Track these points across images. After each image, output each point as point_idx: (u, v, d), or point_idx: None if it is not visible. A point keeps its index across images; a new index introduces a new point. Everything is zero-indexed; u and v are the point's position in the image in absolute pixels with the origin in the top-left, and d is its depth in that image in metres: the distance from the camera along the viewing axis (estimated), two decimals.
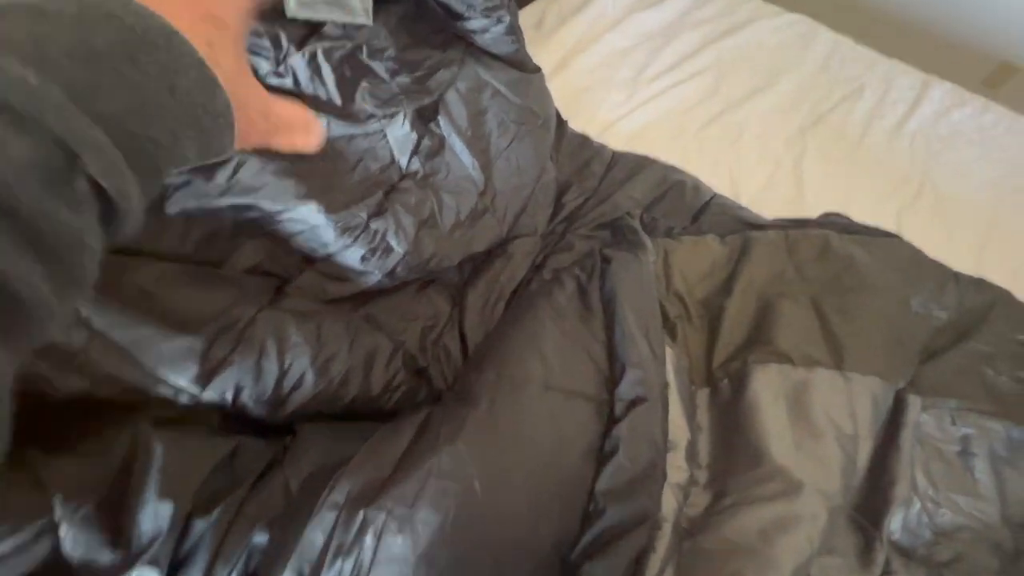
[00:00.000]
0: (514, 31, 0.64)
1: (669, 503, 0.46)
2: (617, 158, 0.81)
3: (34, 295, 0.17)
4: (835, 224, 0.68)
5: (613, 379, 0.51)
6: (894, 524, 0.49)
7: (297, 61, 0.51)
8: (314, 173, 0.51)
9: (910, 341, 0.59)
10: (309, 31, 0.53)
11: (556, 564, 0.42)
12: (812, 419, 0.50)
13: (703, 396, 0.58)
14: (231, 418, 0.44)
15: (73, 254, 0.18)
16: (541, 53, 0.95)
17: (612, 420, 0.48)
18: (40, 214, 0.16)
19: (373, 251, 0.53)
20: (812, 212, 0.85)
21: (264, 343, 0.44)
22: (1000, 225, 0.88)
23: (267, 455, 0.43)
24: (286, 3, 0.46)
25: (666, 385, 0.51)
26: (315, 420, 0.47)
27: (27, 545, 0.35)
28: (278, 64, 0.51)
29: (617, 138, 0.89)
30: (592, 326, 0.54)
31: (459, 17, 0.60)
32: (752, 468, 0.48)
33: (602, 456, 0.46)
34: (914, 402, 0.56)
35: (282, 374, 0.44)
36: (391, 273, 0.55)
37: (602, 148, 0.82)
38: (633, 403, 0.48)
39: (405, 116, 0.57)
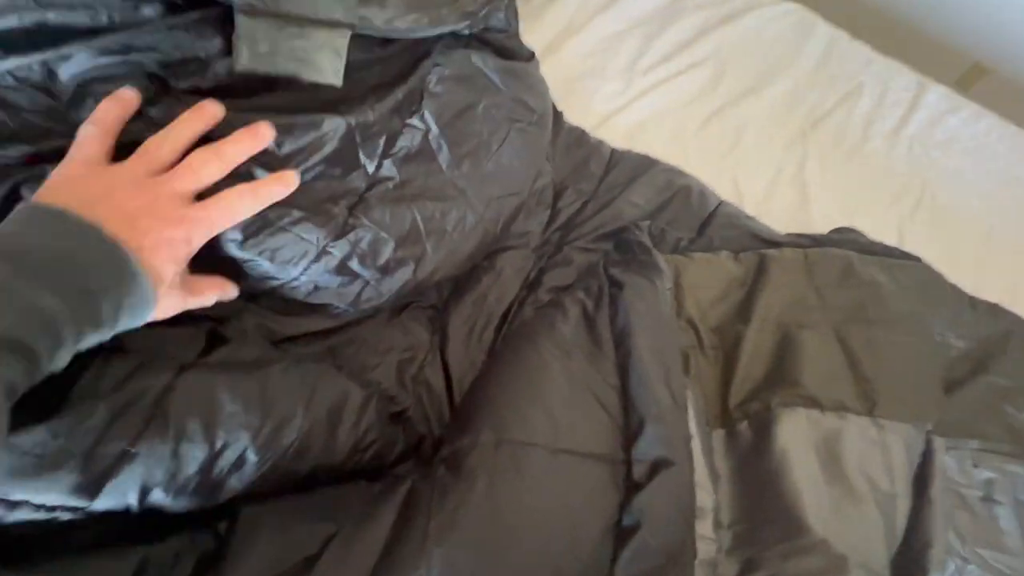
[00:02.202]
0: (508, 17, 0.54)
1: None
2: (617, 158, 0.72)
3: None
4: (854, 243, 0.63)
5: (629, 432, 0.44)
6: None
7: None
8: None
9: (935, 377, 0.55)
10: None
11: None
12: (849, 477, 0.45)
13: (718, 438, 0.51)
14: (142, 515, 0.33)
15: None
16: (530, 32, 0.84)
17: (630, 485, 0.41)
18: None
19: (331, 281, 0.43)
20: (817, 222, 0.81)
21: (183, 421, 0.33)
22: (996, 238, 0.86)
23: (192, 556, 0.33)
24: (236, 55, 0.36)
25: (689, 439, 0.45)
26: (261, 497, 0.37)
27: None
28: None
29: (614, 133, 0.81)
30: (603, 367, 0.46)
31: None
32: (788, 538, 0.42)
33: (621, 531, 0.39)
34: (940, 445, 0.51)
35: (212, 458, 0.34)
36: (356, 302, 0.45)
37: (600, 145, 0.73)
38: (655, 466, 0.41)
39: (372, 110, 0.46)
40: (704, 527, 0.42)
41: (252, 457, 0.35)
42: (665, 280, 0.53)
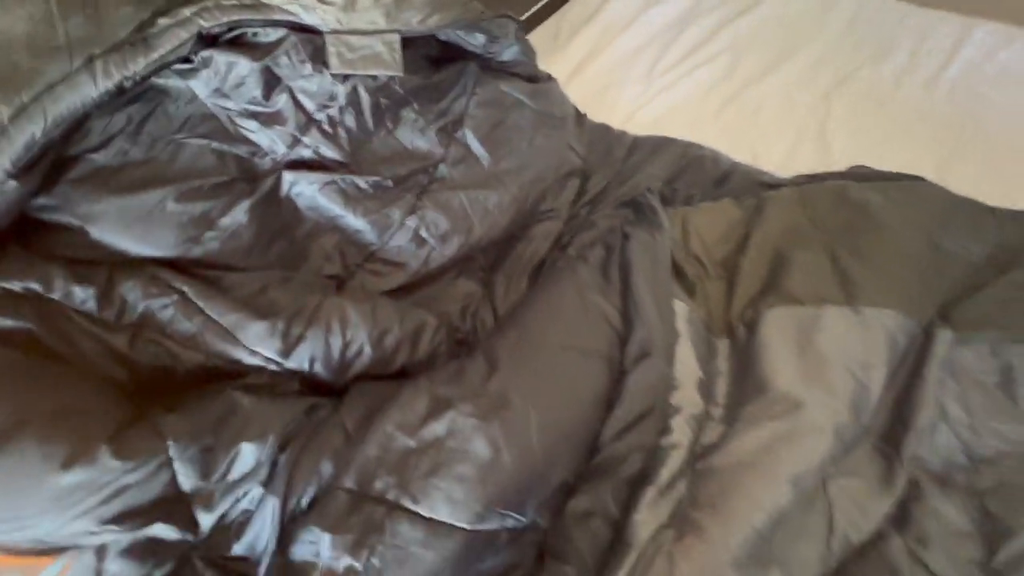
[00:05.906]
0: (524, 53, 0.75)
1: (684, 432, 0.51)
2: (638, 142, 0.85)
3: None
4: (855, 175, 0.69)
5: (624, 340, 0.56)
6: (921, 450, 0.49)
7: (339, 90, 0.63)
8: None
9: (937, 277, 0.58)
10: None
11: (560, 498, 0.48)
12: (819, 350, 0.52)
13: (724, 345, 0.60)
14: (308, 383, 0.56)
15: None
16: (558, 62, 1.02)
17: (622, 374, 0.53)
18: None
19: (410, 245, 0.66)
20: None
21: (330, 323, 0.56)
22: None
23: (328, 408, 0.53)
24: (329, 60, 0.59)
25: (675, 337, 0.56)
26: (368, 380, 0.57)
27: (151, 476, 0.45)
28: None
29: (636, 128, 0.93)
30: (609, 295, 0.60)
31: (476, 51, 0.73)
32: (758, 397, 0.50)
33: (611, 405, 0.52)
34: (943, 336, 0.55)
35: (345, 346, 0.56)
36: (426, 262, 0.66)
37: (623, 134, 0.87)
38: (638, 359, 0.53)
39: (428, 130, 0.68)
40: (688, 393, 0.53)
41: (367, 350, 0.56)
42: (665, 233, 0.65)
